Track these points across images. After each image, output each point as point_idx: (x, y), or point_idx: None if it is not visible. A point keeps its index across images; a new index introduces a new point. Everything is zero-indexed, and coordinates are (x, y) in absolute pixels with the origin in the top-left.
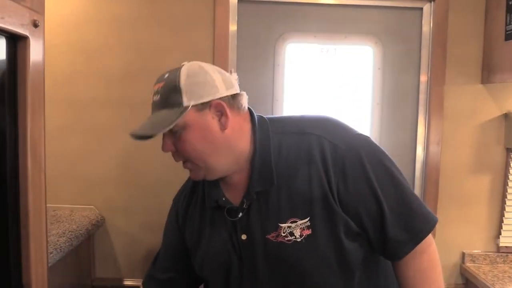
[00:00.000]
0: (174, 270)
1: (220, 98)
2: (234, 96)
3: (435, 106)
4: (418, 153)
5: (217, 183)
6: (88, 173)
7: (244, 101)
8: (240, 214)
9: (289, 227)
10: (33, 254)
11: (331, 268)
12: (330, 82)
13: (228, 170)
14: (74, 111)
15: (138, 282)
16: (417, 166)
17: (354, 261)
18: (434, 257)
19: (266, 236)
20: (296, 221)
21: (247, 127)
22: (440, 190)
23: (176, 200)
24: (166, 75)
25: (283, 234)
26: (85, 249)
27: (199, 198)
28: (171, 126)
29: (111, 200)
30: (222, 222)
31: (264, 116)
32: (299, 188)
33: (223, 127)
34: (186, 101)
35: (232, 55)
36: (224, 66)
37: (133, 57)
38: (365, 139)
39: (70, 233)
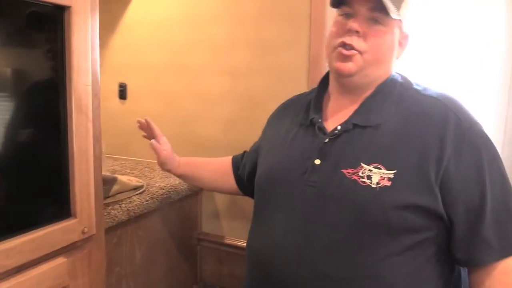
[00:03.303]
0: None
1: None
2: None
3: None
4: None
5: (320, 107)
6: (197, 136)
7: None
8: (328, 139)
9: (370, 170)
10: (78, 190)
11: (380, 226)
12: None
13: (363, 85)
14: (187, 78)
15: (236, 241)
16: None
17: (401, 230)
18: None
19: (342, 170)
20: (380, 168)
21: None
22: None
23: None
24: None
25: (360, 174)
26: (193, 205)
27: (290, 114)
28: (398, 18)
29: None
30: (303, 141)
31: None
32: (402, 141)
33: (397, 56)
34: (402, 13)
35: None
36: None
37: (235, 28)
38: (485, 132)
39: (170, 187)
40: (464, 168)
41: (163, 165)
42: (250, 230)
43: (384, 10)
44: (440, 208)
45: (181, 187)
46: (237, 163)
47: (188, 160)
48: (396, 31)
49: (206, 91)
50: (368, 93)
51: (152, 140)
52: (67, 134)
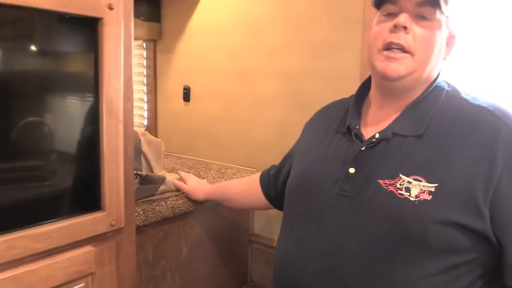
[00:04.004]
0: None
1: None
2: None
3: None
4: None
5: (358, 113)
6: (252, 137)
7: None
8: (364, 147)
9: (409, 182)
10: (107, 186)
11: (417, 242)
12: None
13: (409, 90)
14: (244, 81)
15: None
16: None
17: (441, 249)
18: None
19: (378, 180)
20: (420, 181)
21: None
22: None
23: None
24: None
25: (398, 186)
26: None
27: (328, 119)
28: (448, 13)
29: (269, 165)
30: (338, 148)
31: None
32: (446, 154)
33: (445, 57)
34: (450, 8)
35: None
36: None
37: (289, 32)
38: None
39: None
40: None
41: (190, 195)
42: (279, 237)
43: (435, 4)
44: (487, 229)
45: None
46: (264, 179)
47: (215, 188)
48: (445, 29)
49: (262, 94)
50: (411, 99)
51: (174, 180)
52: (98, 133)
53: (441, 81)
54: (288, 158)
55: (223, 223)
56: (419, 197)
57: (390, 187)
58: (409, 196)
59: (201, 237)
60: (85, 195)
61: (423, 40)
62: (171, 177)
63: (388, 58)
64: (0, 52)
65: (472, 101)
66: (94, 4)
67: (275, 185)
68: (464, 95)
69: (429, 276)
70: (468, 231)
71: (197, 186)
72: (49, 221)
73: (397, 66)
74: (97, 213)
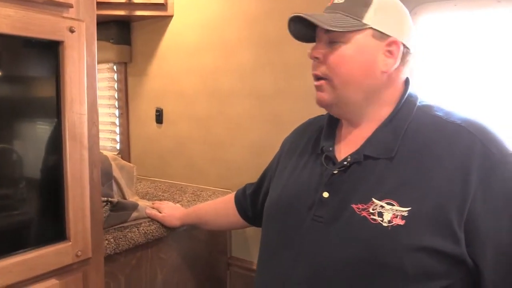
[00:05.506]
0: (257, 190)
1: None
2: (407, 51)
3: None
4: None
5: (332, 134)
6: (227, 159)
7: (410, 65)
8: (336, 170)
9: (382, 206)
10: (72, 214)
11: (392, 270)
12: (478, 64)
13: (353, 112)
14: (217, 102)
15: None
16: None
17: (417, 275)
18: None
19: (351, 204)
20: (393, 205)
21: (398, 89)
22: None
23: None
24: None
25: (371, 211)
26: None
27: (304, 138)
28: (343, 30)
29: None
30: (313, 171)
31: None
32: (419, 175)
33: (384, 68)
34: (369, 19)
35: None
36: None
37: (262, 51)
38: None
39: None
40: (494, 205)
41: (165, 223)
42: (257, 266)
43: (326, 31)
44: (463, 252)
45: None
46: (239, 198)
47: (189, 212)
48: (371, 42)
49: (235, 115)
50: (382, 117)
51: (147, 209)
52: (61, 160)
53: (412, 93)
54: (266, 175)
55: (200, 247)
56: (392, 222)
57: (363, 212)
58: (382, 221)
59: (177, 263)
60: (49, 225)
61: (334, 64)
62: (143, 203)
63: (316, 87)
64: None
65: (445, 117)
66: (54, 28)
67: (254, 203)
68: (437, 111)
69: None
70: (444, 256)
71: (171, 212)
72: (9, 254)
73: (321, 93)
74: (62, 243)
